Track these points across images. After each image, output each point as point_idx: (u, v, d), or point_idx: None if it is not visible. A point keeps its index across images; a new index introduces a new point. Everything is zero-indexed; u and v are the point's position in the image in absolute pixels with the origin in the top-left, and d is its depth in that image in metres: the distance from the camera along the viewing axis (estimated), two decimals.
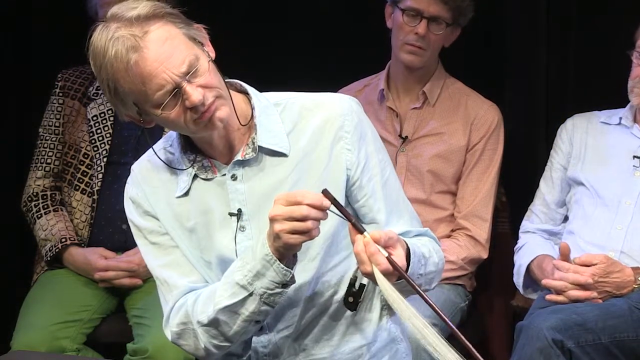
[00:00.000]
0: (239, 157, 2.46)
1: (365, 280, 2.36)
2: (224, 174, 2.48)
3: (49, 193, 3.75)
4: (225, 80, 2.49)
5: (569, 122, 3.63)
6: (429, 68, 3.70)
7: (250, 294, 2.37)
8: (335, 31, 3.85)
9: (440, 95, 3.71)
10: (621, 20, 3.71)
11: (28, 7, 4.21)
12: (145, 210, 2.53)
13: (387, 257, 2.27)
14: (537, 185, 3.65)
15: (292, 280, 2.37)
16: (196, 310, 2.46)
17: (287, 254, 2.34)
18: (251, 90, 2.52)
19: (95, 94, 3.74)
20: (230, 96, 2.43)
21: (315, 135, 2.48)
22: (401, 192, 2.58)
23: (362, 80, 3.85)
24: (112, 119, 3.70)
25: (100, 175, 3.66)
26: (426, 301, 2.27)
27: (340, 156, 2.47)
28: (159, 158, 2.50)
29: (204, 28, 2.44)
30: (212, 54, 2.42)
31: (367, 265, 2.27)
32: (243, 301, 2.39)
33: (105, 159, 3.67)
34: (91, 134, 3.70)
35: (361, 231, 2.29)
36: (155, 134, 3.62)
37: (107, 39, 2.31)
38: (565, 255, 3.28)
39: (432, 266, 2.50)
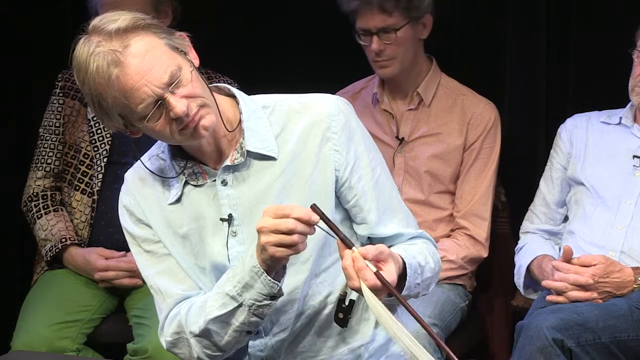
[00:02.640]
0: (227, 162, 2.46)
1: (354, 296, 2.35)
2: (214, 180, 2.47)
3: (49, 193, 3.75)
4: (213, 85, 2.49)
5: (569, 122, 3.62)
6: (418, 69, 3.68)
7: (240, 305, 2.38)
8: (335, 31, 3.84)
9: (436, 95, 3.70)
10: (621, 20, 3.71)
11: (28, 7, 4.21)
12: (138, 219, 2.54)
13: (375, 273, 2.26)
14: (537, 185, 3.65)
15: (280, 293, 2.37)
16: (189, 320, 2.47)
17: (274, 266, 2.34)
18: (239, 94, 2.51)
19: None
20: (216, 102, 2.42)
21: (302, 137, 2.47)
22: (394, 191, 2.57)
23: (359, 82, 3.85)
24: None
25: (101, 176, 3.66)
26: (415, 317, 2.24)
27: (328, 157, 2.47)
28: (147, 168, 2.50)
29: (187, 36, 2.43)
30: (196, 62, 2.41)
31: (355, 281, 2.26)
32: (233, 312, 2.40)
33: (105, 159, 3.67)
34: (91, 134, 3.70)
35: (349, 246, 2.28)
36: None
37: (88, 53, 2.31)
38: (567, 258, 3.28)
39: (429, 272, 2.50)
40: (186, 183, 2.49)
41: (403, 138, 3.67)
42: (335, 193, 2.49)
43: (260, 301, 2.36)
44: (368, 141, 2.53)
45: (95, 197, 3.67)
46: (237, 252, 2.46)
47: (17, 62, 4.19)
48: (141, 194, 2.53)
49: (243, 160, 2.45)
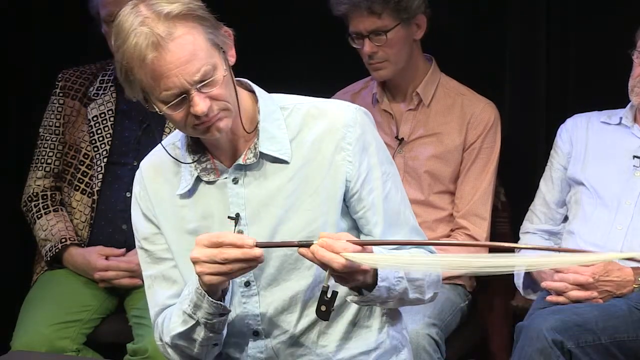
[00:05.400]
0: (240, 161, 2.46)
1: (336, 288, 2.35)
2: (226, 177, 2.48)
3: (49, 193, 3.75)
4: (236, 79, 2.48)
5: (569, 122, 3.62)
6: (416, 70, 3.68)
7: (197, 322, 2.42)
8: (335, 31, 3.84)
9: (435, 95, 3.70)
10: (621, 20, 3.71)
11: (28, 7, 4.20)
12: (144, 213, 2.55)
13: (346, 241, 2.28)
14: (537, 185, 3.65)
15: (227, 310, 2.40)
16: (164, 331, 2.51)
17: (214, 289, 2.37)
18: (259, 92, 2.51)
19: (95, 94, 3.74)
20: (239, 100, 2.42)
21: (316, 143, 2.47)
22: (403, 205, 2.55)
23: (359, 83, 3.85)
24: (112, 119, 3.70)
25: (100, 176, 3.66)
26: (404, 243, 2.38)
27: (340, 167, 2.46)
28: (168, 153, 2.49)
29: (232, 32, 2.43)
30: (233, 60, 2.42)
31: (338, 259, 2.26)
32: (193, 328, 2.43)
33: (105, 159, 3.67)
34: (91, 134, 3.70)
35: (310, 244, 2.29)
36: (156, 134, 3.62)
37: (131, 28, 2.30)
38: None
39: (418, 274, 2.47)
40: (199, 179, 2.49)
41: (402, 138, 3.67)
42: (345, 202, 2.49)
43: (211, 319, 2.40)
44: (382, 153, 2.52)
45: (95, 197, 3.66)
46: None
47: (17, 62, 4.18)
48: (153, 184, 2.54)
49: (255, 161, 2.45)
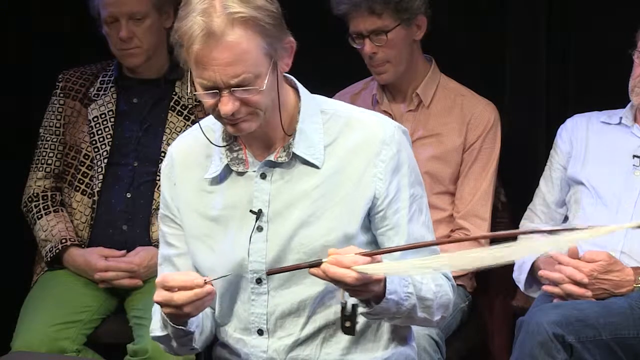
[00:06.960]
0: (271, 157, 2.46)
1: (355, 300, 2.35)
2: (254, 170, 2.48)
3: (49, 194, 3.75)
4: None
5: (569, 122, 3.63)
6: (417, 70, 3.68)
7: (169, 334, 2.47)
8: (335, 31, 3.85)
9: (435, 96, 3.70)
10: (621, 20, 3.71)
11: (28, 7, 4.20)
12: (164, 195, 2.56)
13: (355, 254, 2.28)
14: (537, 185, 3.65)
15: (190, 332, 2.44)
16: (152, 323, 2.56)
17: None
18: (302, 91, 2.51)
19: (96, 95, 3.74)
20: (280, 100, 2.41)
21: (350, 154, 2.46)
22: (425, 229, 2.54)
23: (359, 83, 3.85)
24: (112, 120, 3.70)
25: (101, 177, 3.66)
26: (409, 248, 2.36)
27: (370, 183, 2.46)
28: (204, 133, 2.49)
29: (295, 44, 2.44)
30: (287, 68, 2.42)
31: (351, 273, 2.26)
32: (169, 336, 2.48)
33: (105, 160, 3.67)
34: (92, 135, 3.70)
35: (319, 263, 2.29)
36: (157, 135, 3.63)
37: (193, 11, 2.32)
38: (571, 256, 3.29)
39: (428, 293, 2.47)
40: (228, 167, 2.49)
41: None
42: (368, 217, 2.48)
43: (177, 337, 2.45)
44: (414, 174, 2.51)
45: (95, 197, 3.66)
46: (258, 248, 2.46)
47: (17, 62, 4.18)
48: (181, 165, 2.55)
49: (287, 160, 2.46)
